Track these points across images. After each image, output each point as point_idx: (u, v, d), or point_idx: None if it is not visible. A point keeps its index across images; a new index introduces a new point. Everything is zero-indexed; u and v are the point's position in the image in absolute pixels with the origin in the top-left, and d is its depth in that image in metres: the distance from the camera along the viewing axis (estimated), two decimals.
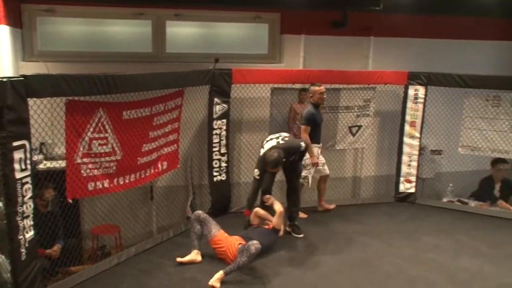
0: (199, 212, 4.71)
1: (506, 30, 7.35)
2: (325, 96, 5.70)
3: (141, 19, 5.97)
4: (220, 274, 4.13)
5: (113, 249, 5.23)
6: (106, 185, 4.47)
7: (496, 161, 6.51)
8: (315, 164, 5.62)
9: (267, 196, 5.11)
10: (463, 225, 5.81)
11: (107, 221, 5.36)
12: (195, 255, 4.58)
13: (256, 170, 5.07)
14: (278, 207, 4.97)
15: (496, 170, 6.47)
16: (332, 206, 6.26)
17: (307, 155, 5.45)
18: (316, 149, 5.73)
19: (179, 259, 4.55)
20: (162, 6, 5.89)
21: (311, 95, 5.66)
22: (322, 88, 5.63)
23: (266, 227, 4.92)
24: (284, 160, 4.93)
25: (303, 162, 5.53)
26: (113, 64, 5.45)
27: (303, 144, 5.20)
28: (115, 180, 4.58)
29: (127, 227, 5.52)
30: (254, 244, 4.20)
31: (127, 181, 4.73)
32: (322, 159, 6.01)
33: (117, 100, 4.52)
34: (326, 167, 6.13)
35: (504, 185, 6.51)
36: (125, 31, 6.03)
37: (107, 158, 4.44)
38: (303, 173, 5.65)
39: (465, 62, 6.98)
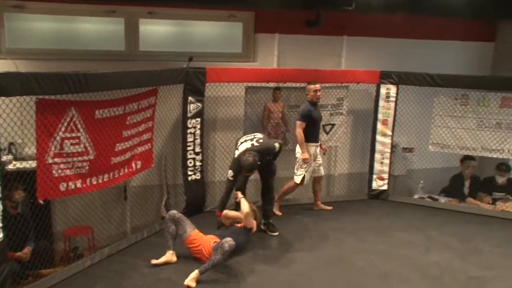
0: (174, 212, 4.67)
1: (473, 31, 7.53)
2: (319, 94, 5.72)
3: (113, 16, 5.87)
4: (195, 273, 4.13)
5: (86, 251, 5.17)
6: (78, 185, 4.42)
7: (464, 158, 6.70)
8: (305, 160, 5.65)
9: (237, 192, 5.09)
10: (433, 221, 5.90)
11: (79, 222, 5.29)
12: (170, 256, 4.55)
13: (230, 171, 5.07)
14: (244, 207, 4.89)
15: (465, 167, 6.65)
16: (329, 208, 6.32)
17: (301, 152, 5.67)
18: (313, 147, 5.80)
19: (154, 261, 4.50)
20: (135, 3, 5.81)
21: (306, 93, 5.76)
22: (317, 86, 5.69)
23: (239, 225, 4.92)
24: (259, 163, 4.95)
25: (297, 160, 5.75)
26: (84, 62, 5.35)
27: (277, 145, 5.22)
28: (88, 180, 4.53)
29: (101, 227, 5.46)
30: (228, 241, 4.21)
31: (100, 181, 4.69)
32: (319, 160, 6.02)
33: (89, 99, 4.46)
34: (321, 168, 6.12)
35: (473, 181, 6.71)
36: (97, 29, 5.94)
37: (79, 158, 4.39)
38: (299, 172, 5.76)
39: (435, 61, 7.13)
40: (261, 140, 5.16)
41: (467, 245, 5.23)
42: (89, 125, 4.43)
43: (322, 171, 6.14)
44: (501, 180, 6.71)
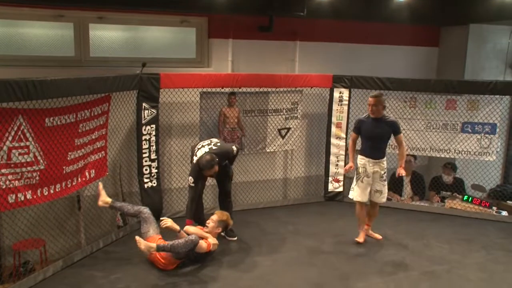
0: (145, 209, 4.85)
1: (419, 36, 7.81)
2: (373, 108, 5.08)
3: (62, 21, 5.76)
4: (152, 243, 4.29)
5: (38, 265, 4.99)
6: (28, 196, 4.28)
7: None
8: (346, 169, 5.36)
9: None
10: (387, 220, 5.96)
11: (30, 235, 5.10)
12: (105, 197, 4.93)
13: (190, 178, 5.04)
14: (214, 241, 4.81)
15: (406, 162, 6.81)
16: (379, 237, 5.51)
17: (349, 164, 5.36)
18: (363, 161, 5.26)
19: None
20: (84, 8, 5.72)
21: None
22: (370, 99, 5.11)
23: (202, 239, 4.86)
24: (218, 161, 4.96)
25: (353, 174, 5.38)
26: (33, 68, 5.19)
27: (234, 148, 5.24)
28: (38, 191, 4.39)
29: (53, 240, 5.30)
30: (190, 235, 4.38)
31: (52, 191, 4.56)
32: (378, 186, 5.30)
33: (38, 107, 4.32)
34: (381, 196, 5.34)
35: (413, 177, 6.94)
36: (46, 34, 5.79)
37: (29, 168, 4.25)
38: (352, 184, 5.35)
39: (384, 65, 7.30)
40: (218, 144, 5.17)
41: (419, 242, 5.37)
42: (38, 133, 4.30)
43: (381, 199, 5.33)
44: (447, 179, 6.96)
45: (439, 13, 7.37)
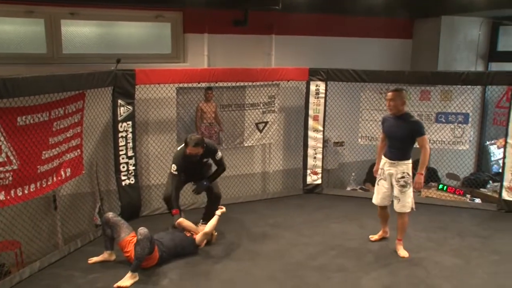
0: (109, 215, 4.64)
1: (393, 28, 7.94)
2: (390, 103, 4.76)
3: (32, 17, 5.67)
4: (128, 274, 4.21)
5: (14, 267, 4.93)
6: (1, 197, 4.18)
7: None
8: (375, 172, 5.05)
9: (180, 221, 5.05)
10: (366, 211, 6.00)
11: (5, 237, 5.01)
12: (107, 256, 4.63)
13: (173, 165, 5.07)
14: (210, 226, 4.97)
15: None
16: (403, 255, 4.93)
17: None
18: (382, 162, 4.97)
19: (91, 260, 4.59)
20: (54, 4, 5.65)
21: None
22: (388, 94, 4.82)
23: (188, 234, 4.92)
24: (204, 146, 5.01)
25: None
26: (3, 66, 5.11)
27: (220, 153, 5.29)
28: (12, 192, 4.30)
29: (29, 241, 5.22)
30: (140, 231, 4.29)
31: (26, 191, 4.48)
32: (396, 192, 4.85)
33: (10, 106, 4.21)
34: (401, 204, 4.83)
35: None
36: (16, 31, 5.71)
37: (1, 169, 4.16)
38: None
39: (360, 58, 7.43)
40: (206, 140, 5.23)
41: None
42: (10, 133, 4.21)
43: (399, 207, 4.84)
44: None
45: (411, 5, 7.47)
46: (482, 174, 7.73)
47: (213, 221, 4.99)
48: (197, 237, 4.91)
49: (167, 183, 5.22)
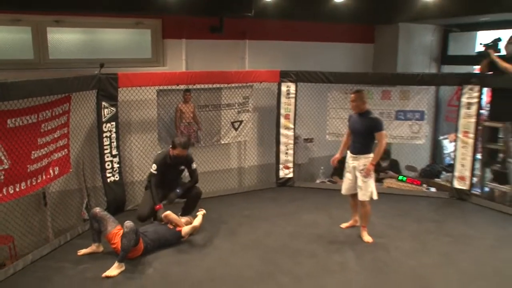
0: (96, 210, 4.66)
1: (357, 34, 8.09)
2: (353, 103, 4.98)
3: (20, 25, 5.63)
4: (115, 264, 4.26)
5: (8, 260, 4.89)
6: None
7: None
8: (332, 162, 5.20)
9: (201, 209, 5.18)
10: (334, 201, 6.11)
11: None
12: (95, 248, 4.67)
13: (153, 165, 5.11)
14: (197, 221, 5.02)
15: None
16: (366, 240, 5.08)
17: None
18: (347, 155, 5.14)
19: (80, 252, 4.63)
20: (40, 12, 5.60)
21: None
22: (351, 96, 5.03)
23: (171, 227, 4.94)
24: (187, 150, 5.08)
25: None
26: None
27: (195, 164, 5.35)
28: (4, 190, 4.31)
29: (22, 235, 5.20)
30: (126, 224, 4.32)
31: (17, 189, 4.48)
32: (359, 182, 4.99)
33: (0, 109, 4.24)
34: (363, 193, 4.97)
35: None
36: (4, 38, 5.64)
37: None
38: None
39: (327, 61, 7.49)
40: None
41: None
42: (1, 134, 4.22)
43: (361, 195, 4.99)
44: (384, 163, 7.29)
45: (373, 13, 7.58)
46: (437, 166, 7.81)
47: (199, 218, 5.06)
48: (185, 230, 4.92)
49: (142, 202, 5.25)
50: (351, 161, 5.08)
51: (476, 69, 6.54)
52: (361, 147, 4.98)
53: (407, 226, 5.49)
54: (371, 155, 4.92)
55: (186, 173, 5.43)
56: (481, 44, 6.30)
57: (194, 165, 5.36)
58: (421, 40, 8.19)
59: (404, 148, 7.39)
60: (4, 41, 5.65)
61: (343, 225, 5.42)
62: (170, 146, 5.18)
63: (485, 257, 4.69)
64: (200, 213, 5.14)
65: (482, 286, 4.17)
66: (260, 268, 4.44)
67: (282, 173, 7.09)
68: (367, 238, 5.05)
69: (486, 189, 6.56)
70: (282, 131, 6.97)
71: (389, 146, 7.38)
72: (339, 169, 6.95)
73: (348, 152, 5.12)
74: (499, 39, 6.06)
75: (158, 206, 5.09)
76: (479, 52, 6.32)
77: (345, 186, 5.20)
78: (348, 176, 5.15)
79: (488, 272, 4.38)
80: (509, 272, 4.39)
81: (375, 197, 4.96)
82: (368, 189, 4.95)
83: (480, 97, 6.25)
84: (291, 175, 7.09)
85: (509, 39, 6.03)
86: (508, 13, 6.18)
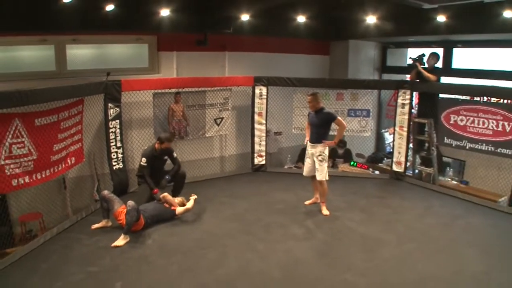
0: (105, 192, 4.78)
1: (316, 47, 8.30)
2: (310, 104, 5.20)
3: (45, 44, 5.73)
4: (121, 236, 4.39)
5: (39, 232, 5.04)
6: (26, 180, 4.41)
7: None
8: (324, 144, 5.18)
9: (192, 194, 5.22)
10: (299, 183, 6.20)
11: (31, 209, 5.13)
12: (105, 223, 4.79)
13: (143, 158, 5.15)
14: (189, 204, 5.06)
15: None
16: (324, 213, 5.29)
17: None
18: (307, 144, 5.31)
19: (93, 226, 4.74)
20: (62, 33, 5.69)
21: None
22: (308, 98, 5.23)
23: (167, 206, 5.00)
24: (166, 149, 5.20)
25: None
26: (24, 82, 5.17)
27: (175, 153, 5.44)
28: (33, 176, 4.51)
29: (48, 212, 5.31)
30: (128, 203, 4.44)
31: (43, 175, 4.66)
32: (317, 165, 5.19)
33: (29, 111, 4.43)
34: (319, 174, 5.16)
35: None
36: (32, 54, 5.74)
37: (25, 158, 4.38)
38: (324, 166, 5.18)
39: (292, 69, 7.70)
40: None
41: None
42: (30, 131, 4.42)
43: (318, 176, 5.19)
44: (340, 151, 7.59)
45: (328, 31, 7.80)
46: (380, 153, 8.10)
47: (191, 201, 5.11)
48: (179, 210, 4.98)
49: (138, 196, 5.19)
50: (310, 149, 5.28)
51: (408, 77, 6.70)
52: (317, 137, 5.18)
53: (358, 201, 5.69)
54: (330, 142, 5.18)
55: (168, 161, 5.47)
56: (410, 58, 6.55)
57: (175, 154, 5.41)
58: (366, 54, 8.45)
59: (355, 139, 7.58)
60: (33, 57, 5.78)
61: (307, 202, 5.55)
62: (157, 141, 5.23)
63: (416, 223, 4.97)
64: (193, 198, 5.17)
65: (414, 245, 4.40)
66: (240, 237, 4.57)
67: (257, 160, 7.17)
68: (325, 211, 5.25)
69: (416, 171, 6.78)
70: (256, 126, 7.05)
71: (343, 137, 7.44)
72: (302, 156, 6.93)
73: (307, 141, 5.30)
74: (423, 55, 6.32)
75: (155, 190, 5.11)
76: (409, 64, 6.53)
77: (306, 169, 5.40)
78: (308, 161, 5.34)
79: (418, 235, 4.64)
80: (433, 234, 4.67)
81: (327, 177, 5.22)
82: (324, 171, 5.16)
83: (411, 99, 6.51)
84: (264, 162, 7.17)
85: (429, 55, 6.36)
86: (428, 35, 6.56)
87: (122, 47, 6.56)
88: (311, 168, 5.35)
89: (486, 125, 5.83)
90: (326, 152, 5.25)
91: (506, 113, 5.62)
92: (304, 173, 5.48)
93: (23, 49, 5.69)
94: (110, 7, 5.45)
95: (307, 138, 5.35)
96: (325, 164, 5.23)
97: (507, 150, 5.62)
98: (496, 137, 5.74)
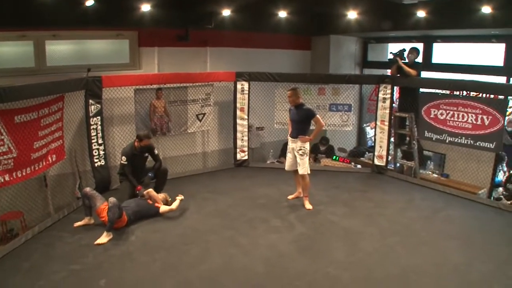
0: (87, 189, 4.79)
1: (297, 42, 8.39)
2: (290, 98, 5.28)
3: (24, 40, 5.68)
4: (104, 233, 4.42)
5: (20, 230, 5.01)
6: (6, 178, 4.39)
7: None
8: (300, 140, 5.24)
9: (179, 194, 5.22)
10: (281, 178, 6.26)
11: (11, 208, 5.09)
12: (87, 220, 4.81)
13: (123, 157, 5.20)
14: (174, 205, 5.08)
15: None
16: (307, 207, 5.37)
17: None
18: (289, 140, 5.39)
19: (76, 224, 4.76)
20: (41, 28, 5.66)
21: None
22: (288, 93, 5.31)
23: (150, 202, 5.04)
24: (146, 146, 5.25)
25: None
26: (1, 78, 5.13)
27: (156, 150, 5.49)
28: (14, 174, 4.49)
29: (29, 211, 5.29)
30: (110, 200, 4.47)
31: (24, 173, 4.65)
32: (298, 160, 5.26)
33: (8, 108, 4.39)
34: (300, 168, 5.24)
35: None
36: (10, 50, 5.69)
37: (5, 156, 4.36)
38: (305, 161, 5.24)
39: (274, 64, 7.77)
40: None
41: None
42: (10, 128, 4.39)
43: (300, 170, 5.27)
44: (322, 148, 7.72)
45: (309, 26, 7.90)
46: (361, 148, 8.20)
47: (177, 202, 5.11)
48: (164, 209, 4.99)
49: (121, 193, 5.19)
50: (290, 144, 5.37)
51: (389, 72, 6.86)
52: (298, 132, 5.26)
53: (340, 195, 5.80)
54: (306, 138, 5.24)
55: (149, 158, 5.50)
56: (391, 53, 6.72)
57: (156, 151, 5.47)
58: (347, 49, 8.58)
59: (336, 134, 7.71)
60: (11, 52, 5.72)
61: (290, 197, 5.63)
62: (136, 139, 5.26)
63: (397, 217, 5.08)
64: (179, 198, 5.18)
65: (397, 239, 4.50)
66: (223, 232, 4.63)
67: (239, 155, 7.23)
68: (308, 205, 5.33)
69: (398, 164, 6.97)
70: (238, 121, 7.11)
71: (325, 133, 7.68)
72: (285, 151, 7.09)
73: (289, 136, 5.39)
74: (404, 50, 6.49)
75: (139, 187, 5.16)
76: (390, 59, 6.70)
77: (287, 163, 5.49)
78: (289, 155, 5.44)
79: (400, 228, 4.76)
80: (414, 227, 4.79)
81: (308, 171, 5.31)
82: (305, 165, 5.24)
83: (392, 94, 6.67)
84: (246, 157, 7.24)
85: (409, 51, 6.52)
86: (408, 30, 6.71)
87: (103, 43, 6.56)
88: (293, 163, 5.42)
89: (465, 119, 5.99)
90: (307, 146, 5.32)
91: (485, 107, 5.79)
92: (286, 168, 5.56)
93: (1, 45, 5.62)
94: (90, 2, 5.45)
95: (290, 130, 5.42)
96: (306, 158, 5.30)
97: (486, 143, 5.78)
98: (475, 131, 5.90)
